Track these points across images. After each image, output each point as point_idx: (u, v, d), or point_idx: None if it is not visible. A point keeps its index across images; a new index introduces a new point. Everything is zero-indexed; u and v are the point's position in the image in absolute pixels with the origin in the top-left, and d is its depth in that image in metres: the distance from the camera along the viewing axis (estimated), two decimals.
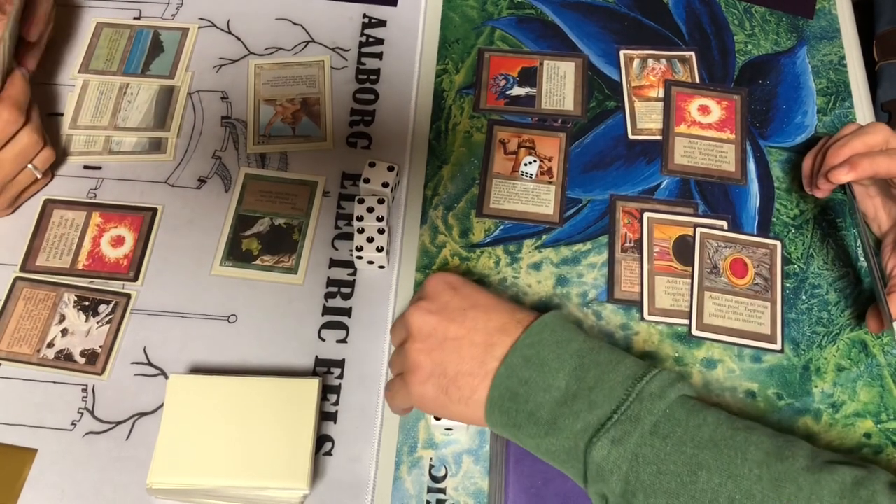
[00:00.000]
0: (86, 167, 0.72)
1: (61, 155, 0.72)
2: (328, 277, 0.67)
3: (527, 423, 0.47)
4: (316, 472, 0.59)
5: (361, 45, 0.79)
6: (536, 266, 0.69)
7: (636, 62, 0.79)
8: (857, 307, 0.67)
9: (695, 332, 0.66)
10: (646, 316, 0.66)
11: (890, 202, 0.66)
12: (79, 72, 0.76)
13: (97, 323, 0.64)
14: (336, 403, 0.62)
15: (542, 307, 0.66)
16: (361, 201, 0.66)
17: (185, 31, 0.79)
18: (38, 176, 0.67)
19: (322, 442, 0.61)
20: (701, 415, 0.46)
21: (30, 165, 0.66)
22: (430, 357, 0.50)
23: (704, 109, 0.76)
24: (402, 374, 0.53)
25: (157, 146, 0.73)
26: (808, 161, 0.70)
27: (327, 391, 0.62)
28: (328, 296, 0.66)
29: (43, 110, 0.74)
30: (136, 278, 0.66)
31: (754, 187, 0.73)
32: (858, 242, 0.70)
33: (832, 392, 0.64)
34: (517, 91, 0.77)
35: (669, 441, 0.44)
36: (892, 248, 0.64)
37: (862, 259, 0.69)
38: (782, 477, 0.43)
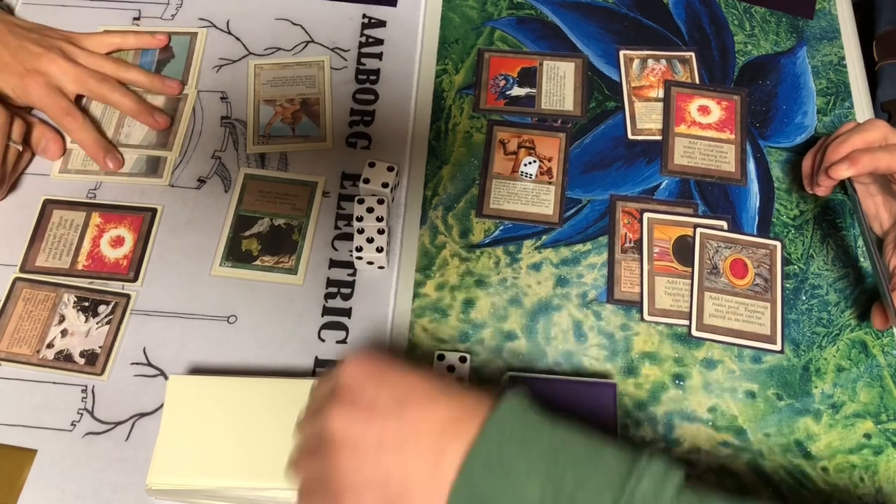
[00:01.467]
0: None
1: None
2: (328, 278, 0.67)
3: None
4: None
5: (361, 45, 0.79)
6: (536, 266, 0.69)
7: (636, 62, 0.79)
8: (858, 307, 0.67)
9: (695, 333, 0.66)
10: (646, 316, 0.66)
11: (891, 200, 0.66)
12: None
13: (97, 323, 0.64)
14: None
15: (540, 308, 0.66)
16: (361, 201, 0.66)
17: (193, 35, 0.79)
18: (20, 149, 0.68)
19: None
20: None
21: (11, 143, 0.66)
22: (364, 472, 0.41)
23: (704, 110, 0.76)
24: (321, 494, 0.43)
25: (153, 169, 0.71)
26: (807, 160, 0.70)
27: None
28: (328, 296, 0.66)
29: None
30: (135, 279, 0.66)
31: (754, 188, 0.72)
32: (859, 242, 0.70)
33: (832, 393, 0.64)
34: (517, 91, 0.77)
35: None
36: (893, 245, 0.64)
37: (862, 259, 0.69)
38: None
